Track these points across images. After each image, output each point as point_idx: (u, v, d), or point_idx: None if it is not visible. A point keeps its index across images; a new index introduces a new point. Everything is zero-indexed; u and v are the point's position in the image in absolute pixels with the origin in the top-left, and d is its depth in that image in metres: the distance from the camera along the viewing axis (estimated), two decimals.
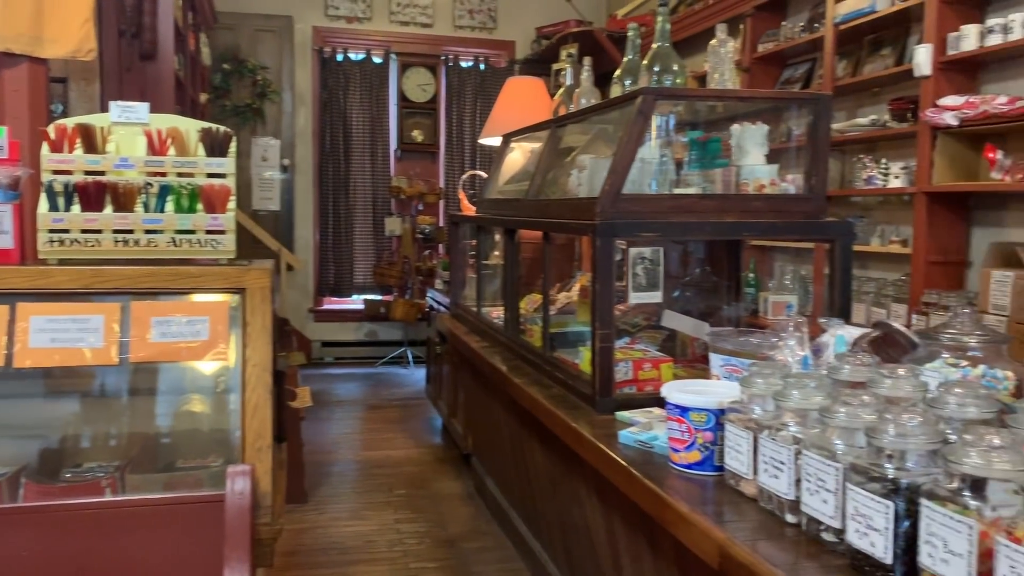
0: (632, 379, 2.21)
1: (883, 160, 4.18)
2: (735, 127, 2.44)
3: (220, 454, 2.27)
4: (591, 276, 2.21)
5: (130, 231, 2.19)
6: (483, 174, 4.98)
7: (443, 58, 7.81)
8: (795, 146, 2.51)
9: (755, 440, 1.50)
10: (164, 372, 2.36)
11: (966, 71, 3.78)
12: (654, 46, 2.51)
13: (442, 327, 4.28)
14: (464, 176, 5.89)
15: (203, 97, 6.19)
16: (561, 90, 3.48)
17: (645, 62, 2.52)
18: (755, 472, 1.50)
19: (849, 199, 4.56)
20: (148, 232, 2.20)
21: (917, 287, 3.81)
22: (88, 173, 2.18)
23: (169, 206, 2.23)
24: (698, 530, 1.44)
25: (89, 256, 2.17)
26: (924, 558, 1.11)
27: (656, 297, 2.36)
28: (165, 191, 2.22)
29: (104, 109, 2.70)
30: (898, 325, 1.85)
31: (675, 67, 2.47)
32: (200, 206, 2.24)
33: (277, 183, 7.51)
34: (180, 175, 2.25)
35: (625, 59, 2.70)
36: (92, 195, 2.16)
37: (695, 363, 2.47)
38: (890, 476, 1.18)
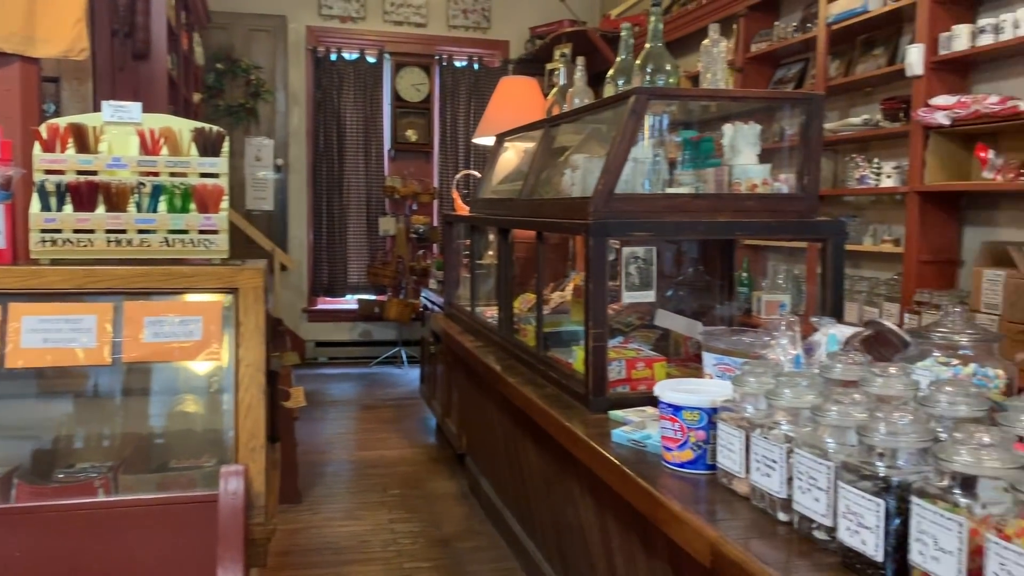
0: (625, 378, 2.22)
1: (875, 160, 4.19)
2: (727, 127, 2.45)
3: (213, 454, 2.27)
4: (584, 275, 2.21)
5: (123, 231, 2.18)
6: (477, 174, 4.98)
7: (437, 58, 7.81)
8: (788, 146, 2.52)
9: (747, 439, 1.50)
10: (157, 372, 2.35)
11: (958, 71, 3.79)
12: (647, 46, 2.51)
13: (436, 327, 4.28)
14: (458, 176, 5.90)
15: (196, 97, 6.18)
16: (554, 90, 3.49)
17: (638, 62, 2.53)
18: (747, 471, 1.51)
19: (842, 199, 4.58)
20: (141, 232, 2.20)
21: (909, 286, 3.82)
22: (80, 173, 2.18)
23: (162, 206, 2.22)
24: (691, 529, 1.45)
25: (81, 256, 2.17)
26: (915, 556, 1.12)
27: (649, 296, 2.37)
28: (158, 191, 2.22)
29: (97, 109, 2.69)
30: (890, 324, 1.86)
31: (668, 67, 2.48)
32: (193, 206, 2.24)
33: (271, 183, 7.50)
34: (173, 175, 2.24)
35: (618, 59, 2.70)
36: (84, 195, 2.15)
37: (688, 362, 2.48)
38: (881, 474, 1.18)
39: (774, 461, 1.42)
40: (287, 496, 3.94)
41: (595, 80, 3.09)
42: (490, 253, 3.83)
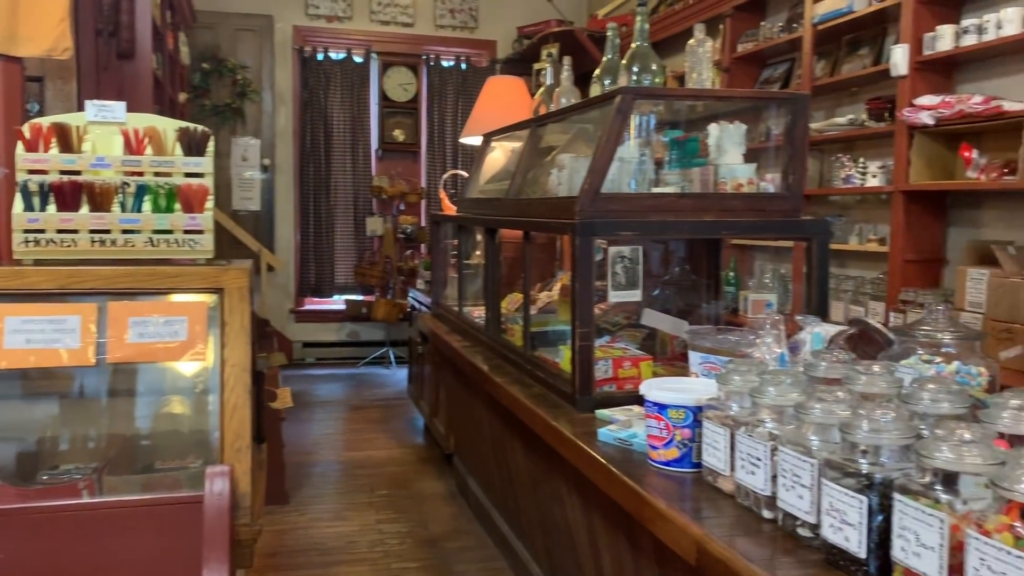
0: (612, 377, 2.22)
1: (861, 159, 4.21)
2: (713, 126, 2.45)
3: (199, 455, 2.26)
4: (571, 275, 2.21)
5: (107, 231, 2.17)
6: (464, 173, 4.98)
7: (424, 57, 7.80)
8: (773, 145, 2.53)
9: (732, 437, 1.51)
10: (143, 373, 2.34)
11: (942, 71, 3.82)
12: (633, 46, 2.52)
13: (424, 327, 4.28)
14: (445, 175, 5.89)
15: (182, 96, 6.15)
16: (541, 90, 3.49)
17: (624, 62, 2.53)
18: (732, 468, 1.51)
19: (827, 198, 4.60)
20: (125, 232, 2.19)
21: (895, 285, 3.85)
22: (64, 173, 2.16)
23: (146, 206, 2.21)
24: (676, 527, 1.45)
25: (65, 256, 2.15)
26: (897, 552, 1.13)
27: (636, 296, 2.37)
28: (142, 191, 2.21)
29: (81, 108, 2.68)
30: (874, 322, 1.87)
31: (654, 67, 2.48)
32: (178, 206, 2.23)
33: (257, 183, 7.47)
34: (157, 175, 2.23)
35: (604, 59, 2.70)
36: (68, 195, 2.14)
37: (675, 361, 2.49)
38: (864, 471, 1.19)
39: (758, 459, 1.42)
40: (274, 497, 3.93)
41: (582, 80, 3.09)
42: (477, 253, 3.83)
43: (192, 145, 2.26)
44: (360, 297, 7.64)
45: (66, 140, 2.18)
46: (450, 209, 4.45)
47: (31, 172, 2.15)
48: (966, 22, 3.57)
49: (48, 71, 3.36)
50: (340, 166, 7.64)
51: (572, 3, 7.83)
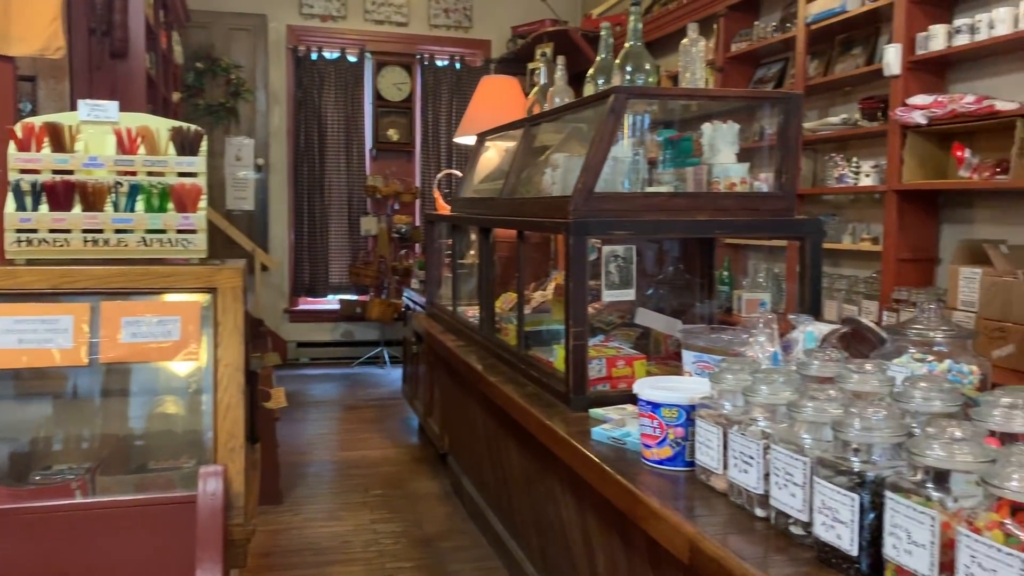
0: (606, 376, 2.23)
1: (854, 159, 4.22)
2: (706, 126, 2.46)
3: (193, 455, 2.25)
4: (565, 274, 2.21)
5: (100, 231, 2.17)
6: (458, 173, 4.99)
7: (418, 57, 7.80)
8: (767, 145, 2.54)
9: (725, 435, 1.51)
10: (136, 373, 2.34)
11: (934, 71, 3.83)
12: (626, 45, 2.52)
13: (418, 327, 4.27)
14: (439, 175, 5.89)
15: (176, 96, 6.14)
16: (535, 89, 3.49)
17: (617, 61, 2.53)
18: (725, 467, 1.52)
19: (821, 197, 4.61)
20: (118, 232, 2.18)
21: (888, 284, 3.86)
22: (56, 172, 2.16)
23: (139, 205, 2.21)
24: (669, 525, 1.45)
25: (58, 256, 2.15)
26: (888, 549, 1.13)
27: (629, 295, 2.37)
28: (135, 190, 2.20)
29: (74, 108, 2.67)
30: (867, 321, 1.88)
31: (647, 66, 2.49)
32: (171, 205, 2.22)
33: (251, 183, 7.46)
34: (150, 174, 2.23)
35: (598, 58, 2.71)
36: (60, 194, 2.14)
37: (668, 360, 2.49)
38: (856, 469, 1.19)
39: (751, 457, 1.43)
40: (268, 497, 3.92)
41: (576, 80, 3.10)
42: (472, 252, 3.83)
43: (185, 144, 2.26)
44: (354, 297, 7.64)
45: (59, 139, 2.18)
46: (444, 209, 4.45)
47: (23, 172, 2.14)
48: (958, 22, 3.58)
49: (41, 70, 3.36)
50: (334, 166, 7.63)
51: (566, 3, 7.83)
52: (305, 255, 7.65)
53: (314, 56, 7.52)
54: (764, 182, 2.44)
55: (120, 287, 2.06)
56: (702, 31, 2.51)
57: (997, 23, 3.38)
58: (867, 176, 4.08)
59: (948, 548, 1.04)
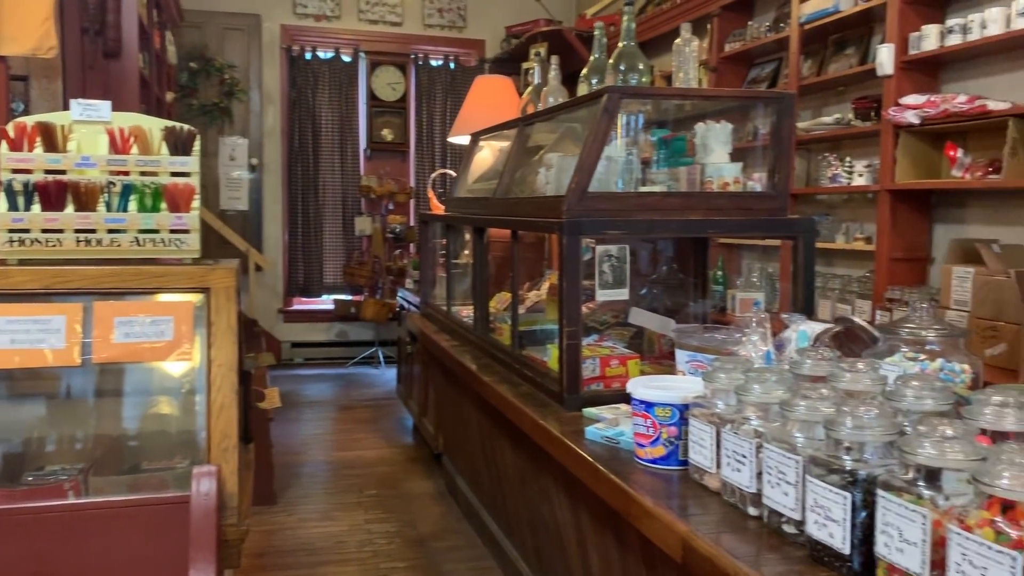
0: (600, 376, 2.23)
1: (847, 158, 4.24)
2: (700, 125, 2.46)
3: (186, 455, 2.25)
4: (558, 274, 2.22)
5: (92, 231, 2.16)
6: (453, 173, 4.98)
7: (413, 57, 7.80)
8: (760, 144, 2.55)
9: (718, 434, 1.52)
10: (129, 373, 2.33)
11: (927, 70, 3.84)
12: (620, 45, 2.53)
13: (413, 327, 4.27)
14: (434, 175, 5.89)
15: (169, 96, 6.13)
16: (529, 89, 3.50)
17: (611, 61, 2.54)
18: (718, 466, 1.52)
19: (814, 197, 4.62)
20: (111, 232, 2.17)
21: (881, 283, 3.87)
22: (49, 172, 2.15)
23: (132, 205, 2.20)
24: (662, 524, 1.46)
25: (50, 256, 2.14)
26: (880, 547, 1.13)
27: (623, 295, 2.37)
28: (128, 190, 2.20)
29: (66, 107, 2.66)
30: (859, 320, 1.88)
31: (640, 66, 2.49)
32: (164, 205, 2.22)
33: (245, 183, 7.45)
34: (143, 174, 2.22)
35: (592, 58, 2.71)
36: (53, 194, 2.13)
37: (662, 359, 2.49)
38: (848, 468, 1.20)
39: (744, 456, 1.43)
40: (262, 497, 3.92)
41: (570, 79, 3.10)
42: (466, 252, 3.83)
43: (178, 144, 2.25)
44: (349, 297, 7.63)
45: (51, 139, 2.17)
46: (438, 208, 4.45)
47: (15, 171, 2.13)
48: (951, 22, 3.59)
49: (33, 70, 3.35)
50: (328, 166, 7.62)
51: (560, 2, 7.84)
52: (299, 255, 7.64)
53: (308, 56, 7.51)
54: (757, 182, 2.45)
55: (113, 287, 2.05)
56: (696, 31, 2.52)
57: (989, 23, 3.39)
58: (860, 176, 4.09)
59: (939, 546, 1.04)
